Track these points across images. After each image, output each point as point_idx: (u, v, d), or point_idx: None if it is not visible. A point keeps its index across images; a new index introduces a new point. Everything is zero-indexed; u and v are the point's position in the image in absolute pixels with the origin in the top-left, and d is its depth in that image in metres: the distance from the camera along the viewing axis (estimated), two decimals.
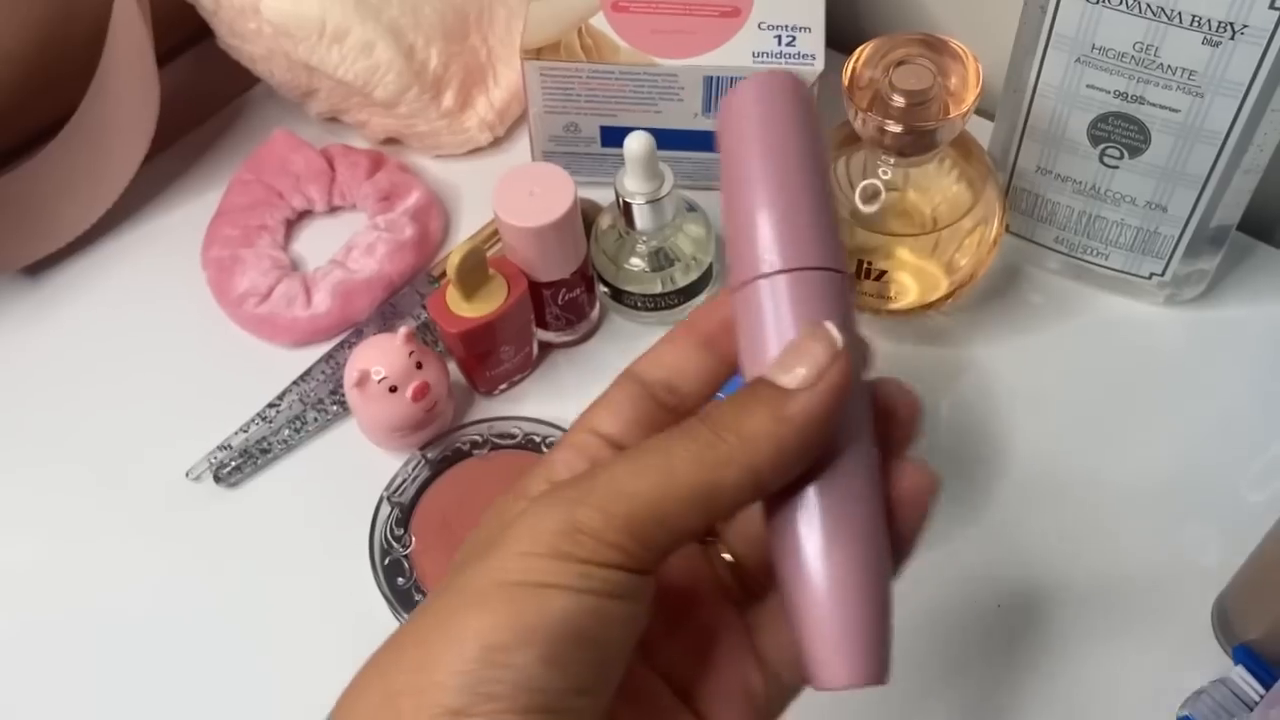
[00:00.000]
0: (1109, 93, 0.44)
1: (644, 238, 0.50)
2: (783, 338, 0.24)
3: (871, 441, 0.25)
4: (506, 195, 0.47)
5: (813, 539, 0.24)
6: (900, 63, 0.44)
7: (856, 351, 0.24)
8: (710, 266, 0.52)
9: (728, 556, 0.28)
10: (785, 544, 0.24)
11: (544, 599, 0.22)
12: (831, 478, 0.24)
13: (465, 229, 0.57)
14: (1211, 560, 0.44)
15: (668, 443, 0.23)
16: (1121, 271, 0.50)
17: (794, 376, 0.23)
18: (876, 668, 0.24)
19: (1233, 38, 0.40)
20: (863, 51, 0.44)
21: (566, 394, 0.51)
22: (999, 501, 0.46)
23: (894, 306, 0.50)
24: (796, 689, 0.27)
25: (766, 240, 0.25)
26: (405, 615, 0.44)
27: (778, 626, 0.26)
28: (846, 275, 0.25)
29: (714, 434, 0.23)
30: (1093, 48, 0.43)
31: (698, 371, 0.26)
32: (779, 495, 0.24)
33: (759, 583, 0.28)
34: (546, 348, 0.52)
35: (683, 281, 0.51)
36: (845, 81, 0.44)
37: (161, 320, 0.54)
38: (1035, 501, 0.46)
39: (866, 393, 0.26)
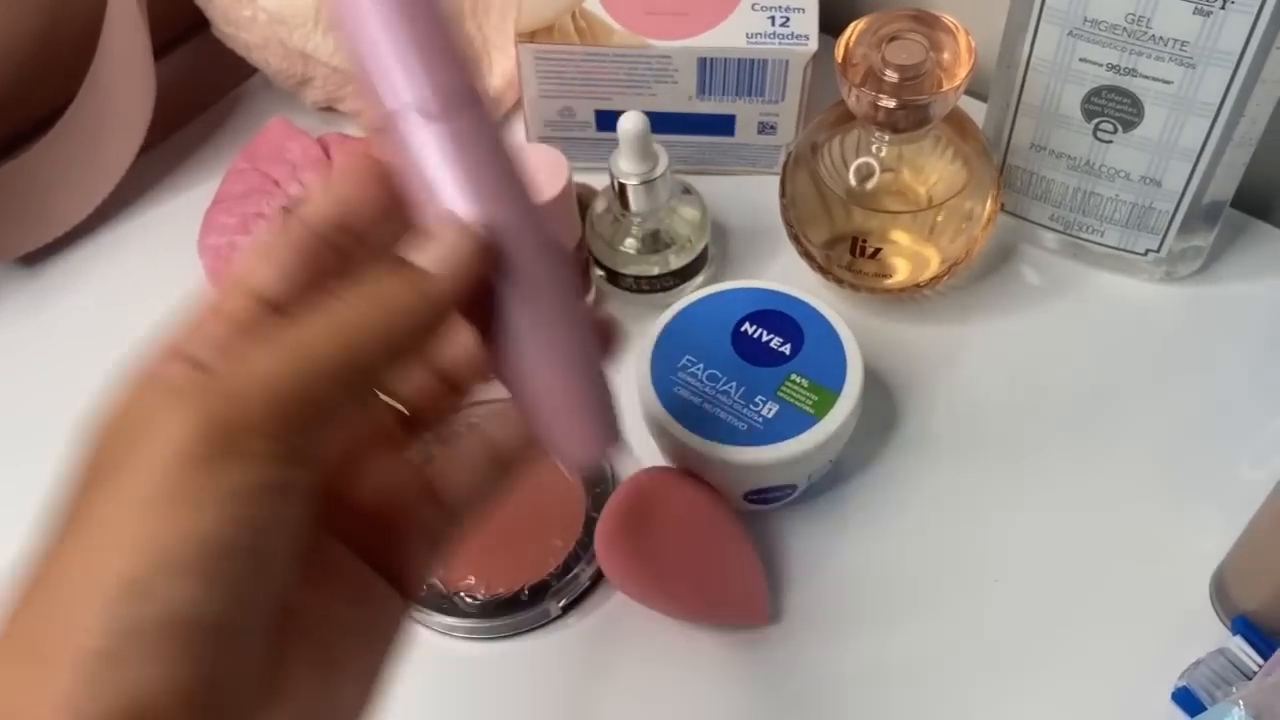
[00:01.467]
0: (1102, 66, 0.44)
1: (639, 219, 0.50)
2: (430, 181, 0.25)
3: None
4: None
5: (529, 345, 0.26)
6: (892, 38, 0.44)
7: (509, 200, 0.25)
8: (705, 248, 0.52)
9: (395, 404, 0.28)
10: (507, 354, 0.26)
11: (183, 518, 0.20)
12: (533, 289, 0.25)
13: None
14: (1209, 536, 0.44)
15: (303, 318, 0.22)
16: (1117, 249, 0.50)
17: (435, 259, 0.24)
18: (610, 434, 0.27)
19: (1223, 7, 0.40)
20: (855, 28, 0.45)
21: None
22: (995, 479, 0.46)
23: (890, 285, 0.50)
24: (467, 518, 0.28)
25: (399, 73, 0.25)
26: (419, 607, 0.43)
27: (450, 460, 0.27)
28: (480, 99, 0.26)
29: (348, 305, 0.22)
30: (1085, 20, 0.43)
31: (373, 204, 0.25)
32: (487, 308, 0.25)
33: (425, 421, 0.28)
34: None
35: (678, 263, 0.51)
36: (838, 58, 0.44)
37: (159, 309, 0.54)
38: (1033, 477, 0.46)
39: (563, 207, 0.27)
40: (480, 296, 0.25)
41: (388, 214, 0.25)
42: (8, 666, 0.20)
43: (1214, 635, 0.41)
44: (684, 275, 0.52)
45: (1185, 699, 0.39)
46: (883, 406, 0.49)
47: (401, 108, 0.25)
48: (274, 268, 0.24)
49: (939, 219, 0.48)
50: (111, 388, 0.23)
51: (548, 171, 0.47)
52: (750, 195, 0.55)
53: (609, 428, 0.27)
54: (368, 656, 0.26)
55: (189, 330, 0.24)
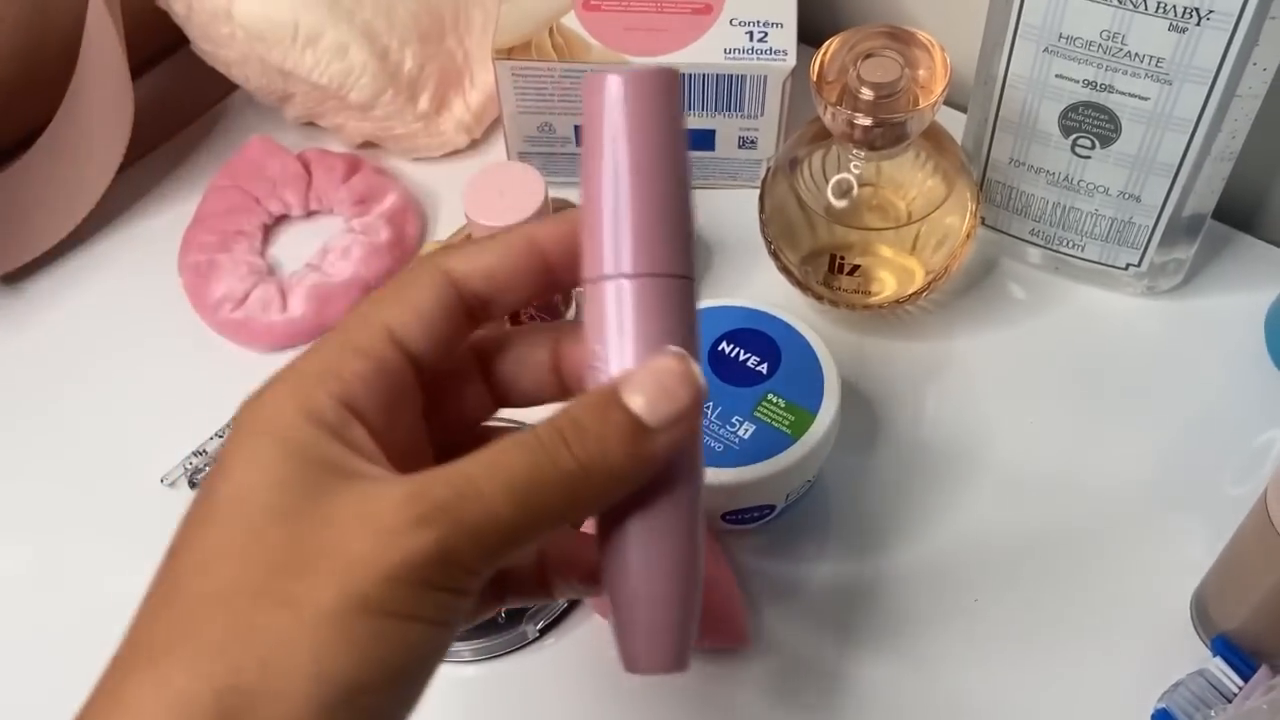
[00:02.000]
0: (1078, 82, 0.43)
1: None
2: (626, 342, 0.25)
3: (697, 450, 0.26)
4: (476, 195, 0.47)
5: (637, 550, 0.25)
6: (867, 55, 0.44)
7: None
8: None
9: None
10: (612, 549, 0.26)
11: (408, 633, 0.21)
12: (665, 488, 0.25)
13: (443, 231, 0.57)
14: (1191, 553, 0.43)
15: (535, 460, 0.23)
16: (1098, 263, 0.50)
17: (655, 412, 0.23)
18: (682, 662, 0.27)
19: (1199, 23, 0.39)
20: (829, 46, 0.44)
21: None
22: (978, 494, 0.46)
23: (871, 301, 0.50)
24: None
25: (622, 241, 0.25)
26: None
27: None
28: (693, 281, 0.26)
29: (579, 465, 0.23)
30: (1060, 37, 0.42)
31: (521, 286, 0.26)
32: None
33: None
34: None
35: None
36: (813, 76, 0.44)
37: (139, 327, 0.54)
38: (1015, 494, 0.46)
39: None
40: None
41: (531, 292, 0.26)
42: None
43: (1195, 655, 0.41)
44: None
45: None
46: (865, 423, 0.48)
47: (617, 277, 0.25)
48: (417, 318, 0.25)
49: (921, 232, 0.48)
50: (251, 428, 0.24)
51: (524, 191, 0.46)
52: (732, 210, 0.55)
53: (683, 655, 0.26)
54: None
55: (328, 362, 0.24)
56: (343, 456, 0.23)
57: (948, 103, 0.52)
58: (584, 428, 0.23)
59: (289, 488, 0.22)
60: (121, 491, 0.49)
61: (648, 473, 0.24)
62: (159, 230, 0.57)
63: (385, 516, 0.22)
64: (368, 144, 0.60)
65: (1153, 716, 0.40)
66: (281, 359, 0.51)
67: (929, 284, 0.49)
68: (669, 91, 0.25)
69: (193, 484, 0.48)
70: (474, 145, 0.60)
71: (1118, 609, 0.43)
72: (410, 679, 0.22)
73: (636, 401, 0.23)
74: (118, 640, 0.43)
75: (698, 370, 0.24)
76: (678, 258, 0.25)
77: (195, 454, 0.49)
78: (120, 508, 0.48)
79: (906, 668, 0.42)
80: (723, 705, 0.42)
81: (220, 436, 0.50)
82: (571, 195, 0.52)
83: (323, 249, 0.55)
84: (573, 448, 0.23)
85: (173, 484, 0.49)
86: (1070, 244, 0.50)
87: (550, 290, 0.27)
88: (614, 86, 0.25)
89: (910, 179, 0.48)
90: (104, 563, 0.47)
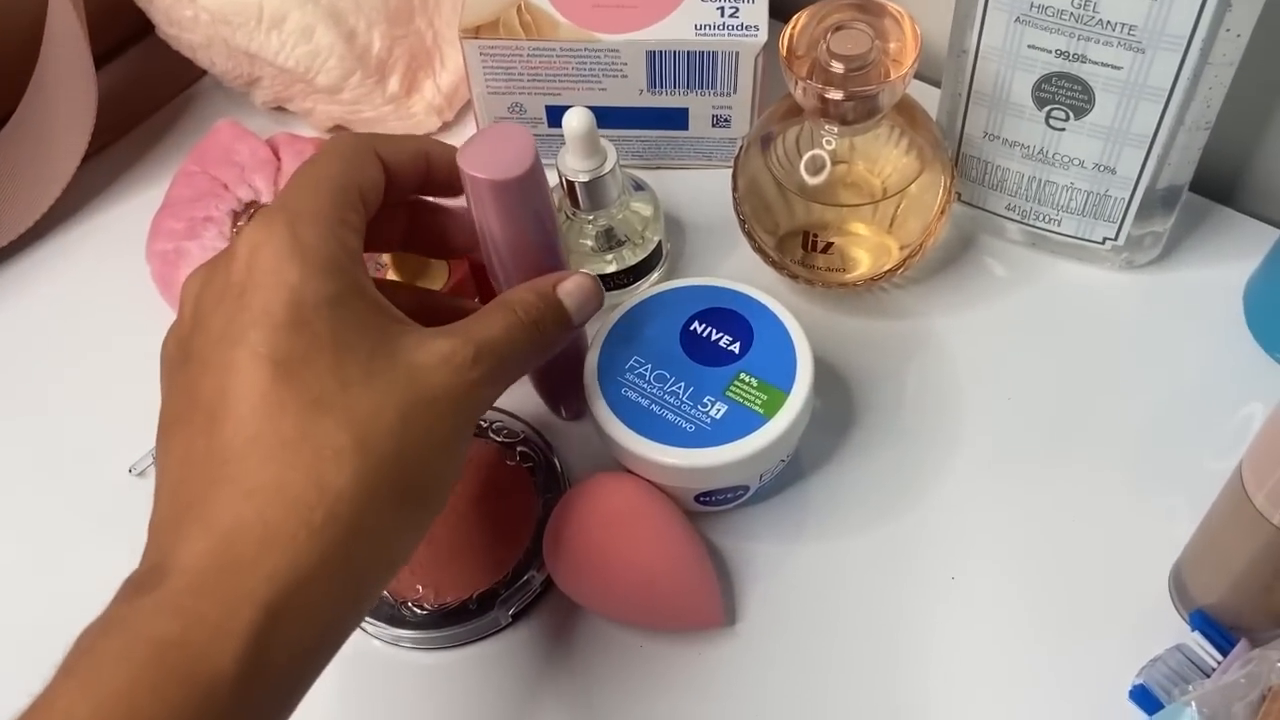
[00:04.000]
0: (1051, 52, 0.43)
1: (590, 217, 0.49)
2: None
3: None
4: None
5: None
6: (837, 28, 0.43)
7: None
8: (660, 244, 0.51)
9: None
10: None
11: (464, 422, 0.34)
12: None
13: None
14: (1171, 528, 0.43)
15: (517, 320, 0.36)
16: (1075, 238, 0.49)
17: (579, 313, 0.39)
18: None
19: None
20: (798, 20, 0.44)
21: None
22: (956, 472, 0.46)
23: (846, 279, 0.49)
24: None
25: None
26: None
27: None
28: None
29: (538, 329, 0.37)
30: (1031, 6, 0.42)
31: (410, 184, 0.38)
32: None
33: None
34: None
35: (633, 260, 0.50)
36: (783, 51, 0.43)
37: (106, 316, 0.54)
38: (993, 471, 0.46)
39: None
40: None
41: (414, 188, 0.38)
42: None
43: (1174, 630, 0.41)
44: (639, 272, 0.51)
45: (1142, 697, 0.39)
46: (841, 402, 0.48)
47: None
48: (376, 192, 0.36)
49: (899, 209, 0.47)
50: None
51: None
52: (707, 189, 0.55)
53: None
54: None
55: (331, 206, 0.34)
56: (376, 294, 0.34)
57: (922, 77, 0.52)
58: (539, 308, 0.37)
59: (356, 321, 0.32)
60: (90, 481, 0.48)
61: (567, 338, 0.39)
62: (127, 218, 0.57)
63: (453, 353, 0.33)
64: (338, 128, 0.59)
65: (1130, 692, 0.39)
66: None
67: (904, 261, 0.49)
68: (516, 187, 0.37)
69: None
70: (445, 127, 0.59)
71: (1096, 584, 0.43)
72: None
73: (569, 303, 0.38)
74: (80, 626, 0.42)
75: (601, 288, 0.39)
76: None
77: None
78: (89, 497, 0.48)
79: (883, 647, 0.42)
80: (699, 686, 0.41)
81: None
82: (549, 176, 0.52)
83: None
84: (535, 319, 0.37)
85: (142, 473, 0.48)
86: (1047, 219, 0.49)
87: (423, 191, 0.39)
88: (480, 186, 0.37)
89: (884, 154, 0.47)
90: (70, 552, 0.47)
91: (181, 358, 0.33)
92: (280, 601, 0.28)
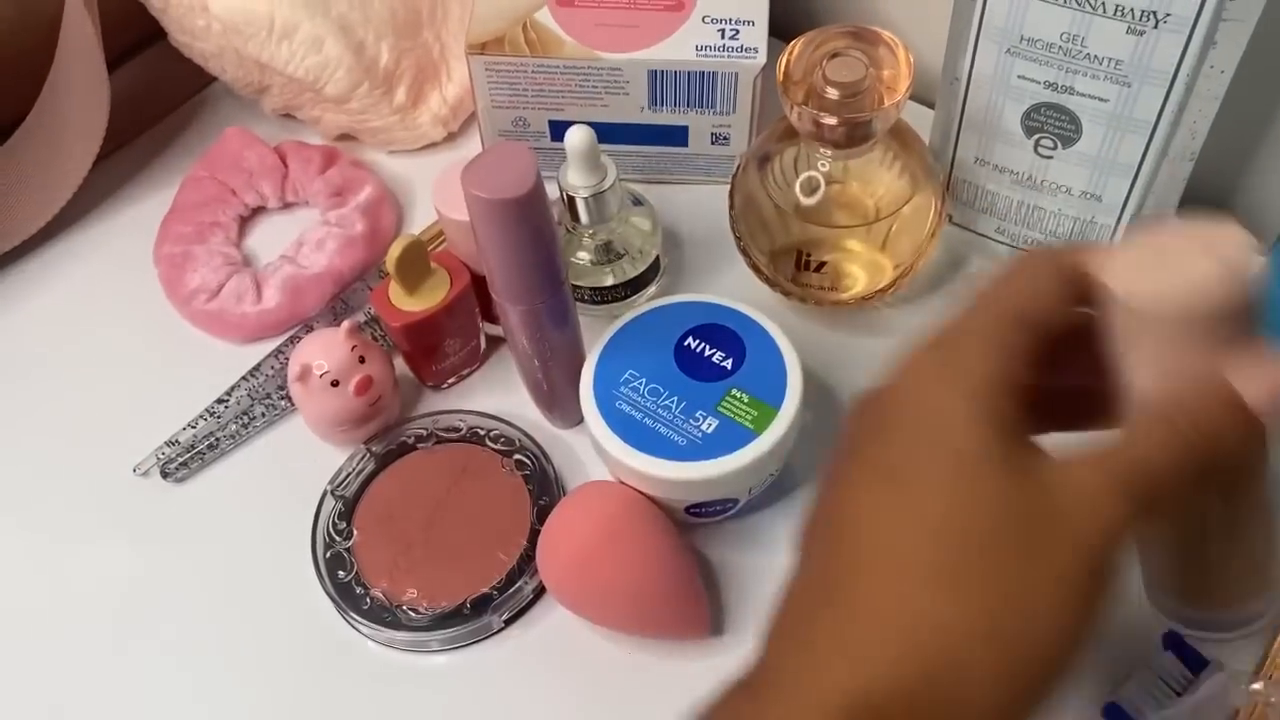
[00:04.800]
0: (1040, 83, 0.44)
1: (590, 231, 0.50)
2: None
3: None
4: (446, 189, 0.47)
5: None
6: (833, 55, 0.44)
7: None
8: (657, 258, 0.52)
9: None
10: None
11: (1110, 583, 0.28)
12: None
13: (419, 224, 0.58)
14: None
15: (1174, 438, 0.28)
16: None
17: (1260, 400, 0.28)
18: None
19: (1156, 26, 0.40)
20: (794, 47, 0.45)
21: (515, 387, 0.51)
22: None
23: (839, 298, 0.50)
24: None
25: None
26: (348, 610, 0.44)
27: None
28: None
29: (1200, 437, 0.28)
30: (1021, 39, 0.43)
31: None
32: None
33: None
34: (496, 341, 0.52)
35: (632, 273, 0.52)
36: (779, 77, 0.44)
37: (113, 318, 0.55)
38: None
39: None
40: None
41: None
42: None
43: (1149, 648, 0.42)
44: (636, 286, 0.52)
45: (1116, 715, 0.40)
46: (832, 419, 0.49)
47: None
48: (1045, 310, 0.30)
49: (892, 230, 0.48)
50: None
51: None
52: (705, 205, 0.56)
53: None
54: None
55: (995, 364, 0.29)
56: (1024, 435, 0.28)
57: (918, 100, 0.53)
58: (1194, 411, 0.28)
59: (997, 451, 0.28)
60: (94, 480, 0.49)
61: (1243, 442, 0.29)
62: (135, 222, 0.58)
63: (1098, 491, 0.27)
64: (345, 136, 0.60)
65: (1104, 709, 0.40)
66: (254, 350, 0.53)
67: (896, 280, 0.50)
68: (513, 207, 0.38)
69: (165, 474, 0.49)
70: (450, 138, 0.61)
71: None
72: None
73: (1248, 390, 0.28)
74: (88, 624, 0.44)
75: None
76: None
77: (168, 444, 0.50)
78: (93, 496, 0.49)
79: None
80: (685, 695, 0.42)
81: (193, 427, 0.50)
82: (550, 190, 0.53)
83: (298, 241, 0.55)
84: (1192, 425, 0.28)
85: (145, 473, 0.49)
86: (1035, 242, 0.50)
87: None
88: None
89: (877, 177, 0.48)
90: (74, 550, 0.48)
91: None
92: None
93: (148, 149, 0.61)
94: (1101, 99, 0.43)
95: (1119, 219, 0.47)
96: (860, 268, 0.50)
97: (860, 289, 0.50)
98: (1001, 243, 0.51)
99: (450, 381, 0.52)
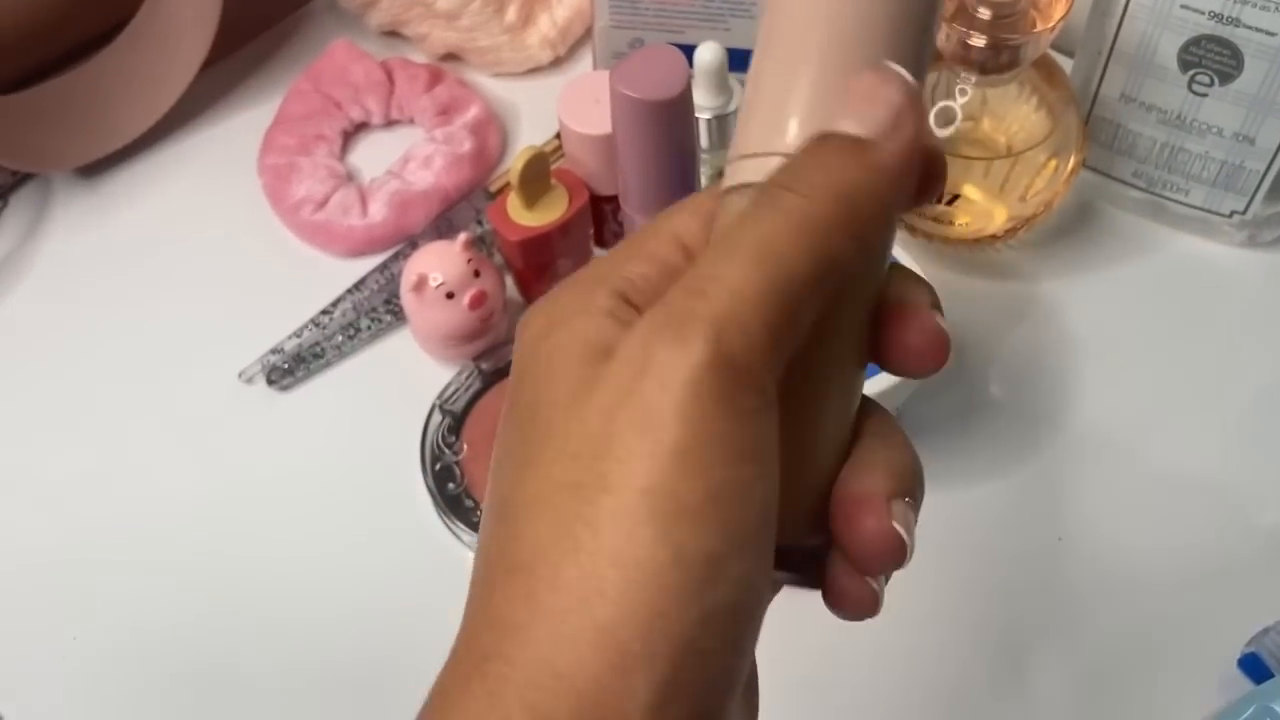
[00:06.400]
0: (1204, 14, 0.42)
1: (706, 157, 0.49)
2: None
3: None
4: (572, 102, 0.46)
5: None
6: None
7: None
8: None
9: None
10: None
11: (748, 490, 0.18)
12: None
13: (522, 147, 0.56)
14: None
15: (757, 223, 0.19)
16: (1201, 209, 0.49)
17: (869, 120, 0.20)
18: None
19: None
20: None
21: None
22: (1058, 442, 0.45)
23: (959, 235, 0.49)
24: None
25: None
26: (453, 520, 0.43)
27: None
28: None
29: (807, 199, 0.19)
30: None
31: None
32: None
33: None
34: None
35: None
36: None
37: (216, 226, 0.54)
38: (1097, 445, 0.45)
39: None
40: None
41: None
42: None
43: None
44: None
45: (1252, 665, 0.38)
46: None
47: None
48: (701, 219, 0.22)
49: (1013, 171, 0.47)
50: (527, 323, 0.21)
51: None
52: None
53: None
54: None
55: (612, 266, 0.21)
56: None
57: (1052, 46, 0.51)
58: (795, 167, 0.20)
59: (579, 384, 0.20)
60: (199, 387, 0.49)
61: (894, 197, 0.20)
62: (239, 131, 0.57)
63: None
64: (449, 57, 0.59)
65: (1240, 660, 0.39)
66: (357, 263, 0.52)
67: (1027, 220, 0.48)
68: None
69: (270, 381, 0.48)
70: (556, 63, 0.59)
71: (1206, 557, 0.42)
72: (760, 529, 0.19)
73: (845, 125, 0.20)
74: (193, 529, 0.43)
75: (902, 72, 0.20)
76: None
77: (273, 352, 0.49)
78: (198, 403, 0.48)
79: (994, 601, 0.41)
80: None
81: (298, 336, 0.49)
82: None
83: (404, 157, 0.54)
84: (791, 185, 0.19)
85: (250, 380, 0.49)
86: (1174, 187, 0.48)
87: None
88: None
89: (1014, 111, 0.46)
90: (180, 457, 0.47)
91: None
92: None
93: (251, 60, 0.60)
94: (1270, 32, 0.41)
95: (1270, 164, 0.45)
96: (979, 213, 0.48)
97: (984, 228, 0.48)
98: (1137, 187, 0.50)
99: None
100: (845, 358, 0.21)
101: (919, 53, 0.21)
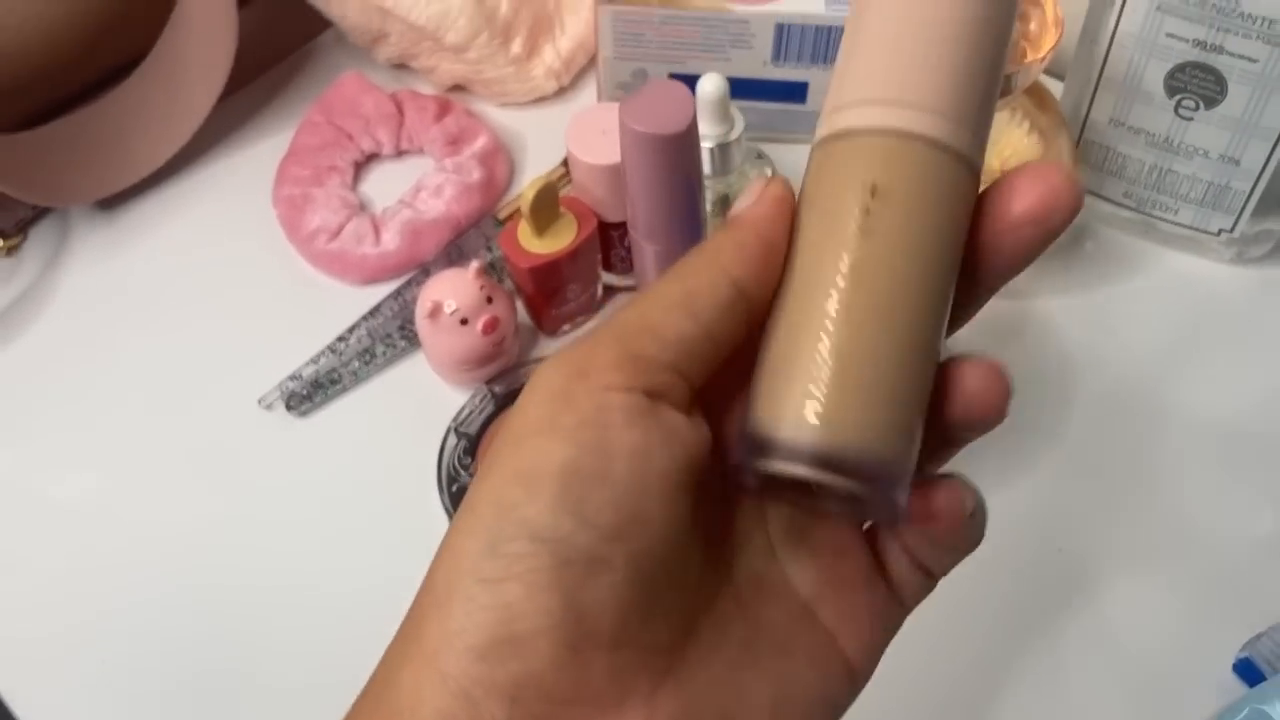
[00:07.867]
0: (1188, 42, 0.44)
1: (710, 183, 0.50)
2: None
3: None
4: (580, 134, 0.47)
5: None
6: None
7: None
8: None
9: None
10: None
11: (542, 446, 0.22)
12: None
13: (530, 176, 0.58)
14: (1273, 518, 0.44)
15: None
16: (1190, 227, 0.50)
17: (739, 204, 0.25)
18: None
19: None
20: None
21: None
22: (1056, 456, 0.47)
23: None
24: (909, 609, 0.27)
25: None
26: None
27: (906, 546, 0.26)
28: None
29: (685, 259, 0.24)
30: None
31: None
32: None
33: None
34: (610, 290, 0.53)
35: None
36: None
37: (233, 256, 0.55)
38: (1093, 457, 0.47)
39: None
40: None
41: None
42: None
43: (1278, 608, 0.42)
44: None
45: (1246, 670, 0.40)
46: None
47: None
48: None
49: None
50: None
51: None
52: None
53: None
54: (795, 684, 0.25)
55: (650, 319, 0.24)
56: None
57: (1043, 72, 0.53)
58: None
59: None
60: (219, 414, 0.50)
61: (758, 241, 0.24)
62: (253, 163, 0.58)
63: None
64: (456, 88, 0.61)
65: (1235, 665, 0.40)
66: (371, 290, 0.53)
67: None
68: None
69: (289, 406, 0.50)
70: (561, 92, 0.61)
71: (1200, 564, 0.43)
72: (558, 483, 0.22)
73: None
74: (212, 555, 0.44)
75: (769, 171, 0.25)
76: None
77: (291, 378, 0.50)
78: (218, 429, 0.50)
79: (986, 609, 0.43)
80: None
81: (315, 363, 0.51)
82: None
83: (415, 186, 0.56)
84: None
85: (269, 406, 0.50)
86: (1164, 207, 0.50)
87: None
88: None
89: (1006, 136, 0.48)
90: (200, 482, 0.48)
91: None
92: None
93: (262, 93, 0.62)
94: (1251, 59, 0.43)
95: (1255, 184, 0.47)
96: None
97: None
98: (1127, 207, 0.51)
99: (565, 328, 0.52)
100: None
101: (997, 58, 0.24)
